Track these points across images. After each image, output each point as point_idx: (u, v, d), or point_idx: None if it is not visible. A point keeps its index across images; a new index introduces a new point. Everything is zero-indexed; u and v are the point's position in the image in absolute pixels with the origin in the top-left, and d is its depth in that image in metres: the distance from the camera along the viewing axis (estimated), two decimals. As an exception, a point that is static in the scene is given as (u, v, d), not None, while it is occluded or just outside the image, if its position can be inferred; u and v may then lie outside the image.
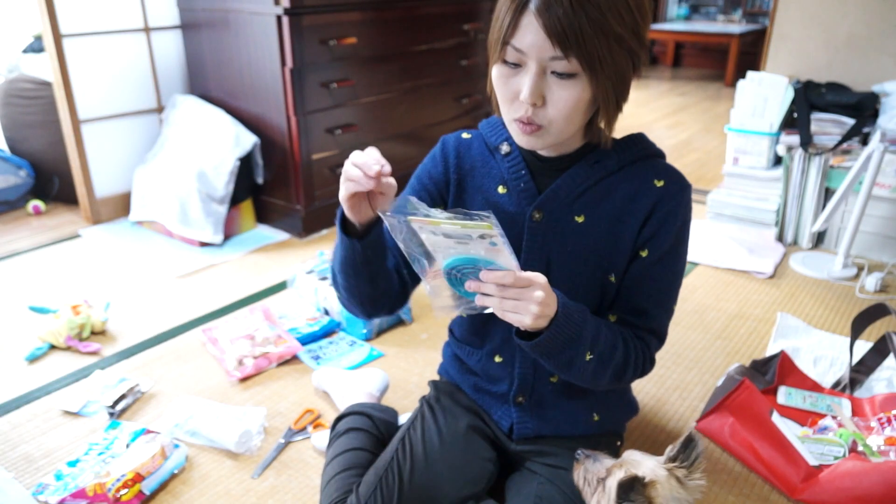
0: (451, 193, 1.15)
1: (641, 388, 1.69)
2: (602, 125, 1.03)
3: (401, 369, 1.79)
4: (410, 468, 1.15)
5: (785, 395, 1.56)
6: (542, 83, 0.92)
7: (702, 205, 2.90)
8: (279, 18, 2.33)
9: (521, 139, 1.00)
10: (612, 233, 1.07)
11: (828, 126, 2.39)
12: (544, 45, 0.89)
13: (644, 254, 1.07)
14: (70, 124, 2.62)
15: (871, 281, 2.18)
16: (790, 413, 1.52)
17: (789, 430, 1.41)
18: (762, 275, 2.30)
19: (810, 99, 2.44)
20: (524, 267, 1.08)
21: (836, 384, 1.64)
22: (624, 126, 1.12)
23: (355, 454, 1.27)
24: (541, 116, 0.95)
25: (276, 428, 1.57)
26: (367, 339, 1.93)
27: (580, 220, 1.07)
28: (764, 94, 2.47)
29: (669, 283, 1.10)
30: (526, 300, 0.88)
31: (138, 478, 1.34)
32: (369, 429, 1.34)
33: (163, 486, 1.39)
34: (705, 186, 3.17)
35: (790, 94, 2.46)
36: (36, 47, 2.90)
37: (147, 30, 2.73)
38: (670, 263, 1.08)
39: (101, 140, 2.73)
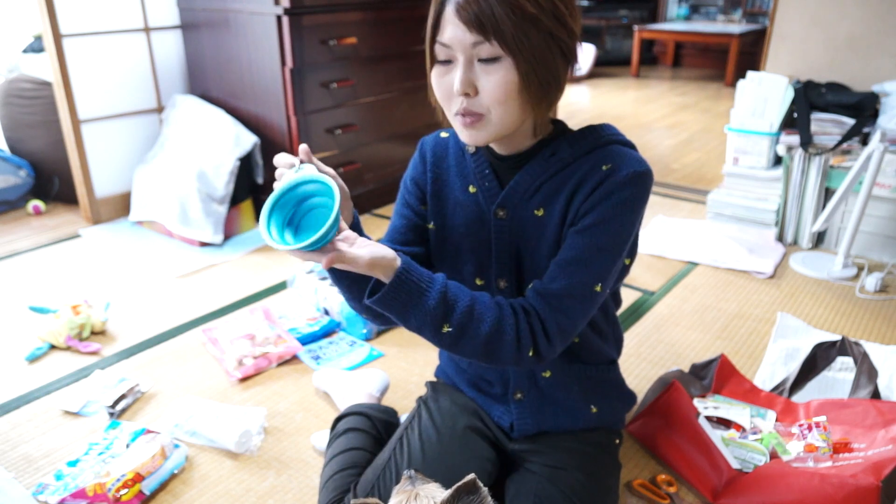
0: (429, 193, 1.17)
1: (642, 389, 1.69)
2: (537, 114, 1.01)
3: (401, 369, 1.79)
4: (408, 467, 1.15)
5: (713, 408, 1.52)
6: (472, 73, 0.96)
7: (702, 205, 2.90)
8: (279, 18, 2.33)
9: (464, 134, 1.01)
10: (565, 220, 1.07)
11: (828, 126, 2.39)
12: (464, 33, 0.94)
13: (575, 227, 1.04)
14: (70, 124, 2.62)
15: (871, 281, 2.18)
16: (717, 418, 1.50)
17: (714, 432, 1.39)
18: (762, 275, 2.30)
19: (810, 99, 2.44)
20: (496, 263, 1.12)
21: (777, 387, 1.61)
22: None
23: (354, 454, 1.28)
24: (477, 105, 0.97)
25: (276, 428, 1.57)
26: (367, 339, 1.93)
27: (539, 213, 1.08)
28: (764, 94, 2.47)
29: (586, 254, 1.02)
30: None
31: (138, 478, 1.34)
32: (368, 429, 1.35)
33: (163, 486, 1.39)
34: (705, 186, 3.17)
35: (790, 94, 2.46)
36: (36, 47, 2.90)
37: (147, 30, 2.73)
38: (593, 235, 1.02)
39: (101, 140, 2.73)
